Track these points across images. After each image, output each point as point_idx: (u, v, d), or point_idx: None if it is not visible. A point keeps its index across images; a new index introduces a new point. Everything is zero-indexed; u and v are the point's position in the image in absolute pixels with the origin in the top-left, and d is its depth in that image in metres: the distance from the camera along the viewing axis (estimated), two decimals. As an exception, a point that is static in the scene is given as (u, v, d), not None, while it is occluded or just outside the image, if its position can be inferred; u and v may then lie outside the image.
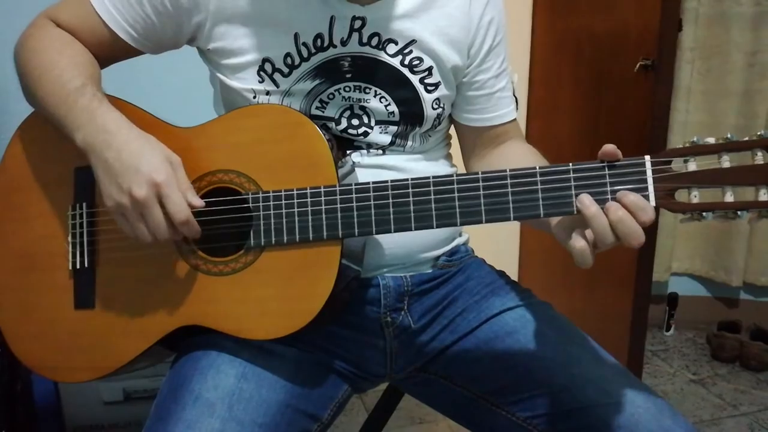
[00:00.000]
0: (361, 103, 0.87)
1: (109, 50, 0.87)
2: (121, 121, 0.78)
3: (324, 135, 0.79)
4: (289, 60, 0.84)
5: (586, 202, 0.69)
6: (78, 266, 0.84)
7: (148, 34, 0.86)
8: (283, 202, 0.78)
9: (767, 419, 1.86)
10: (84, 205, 0.84)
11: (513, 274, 1.51)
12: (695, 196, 0.67)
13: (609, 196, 0.69)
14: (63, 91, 0.79)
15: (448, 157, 1.00)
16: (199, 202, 0.77)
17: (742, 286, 2.36)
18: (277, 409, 0.80)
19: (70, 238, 0.85)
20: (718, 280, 2.38)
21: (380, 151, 0.90)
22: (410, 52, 0.86)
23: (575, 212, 0.70)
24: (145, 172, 0.74)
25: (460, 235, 1.00)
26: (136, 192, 0.74)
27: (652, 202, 0.68)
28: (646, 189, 0.68)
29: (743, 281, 2.35)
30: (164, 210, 0.75)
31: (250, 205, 0.79)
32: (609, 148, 0.69)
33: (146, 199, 0.74)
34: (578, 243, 0.70)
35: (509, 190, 0.72)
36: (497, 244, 1.92)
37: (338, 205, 0.76)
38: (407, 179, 0.75)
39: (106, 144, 0.76)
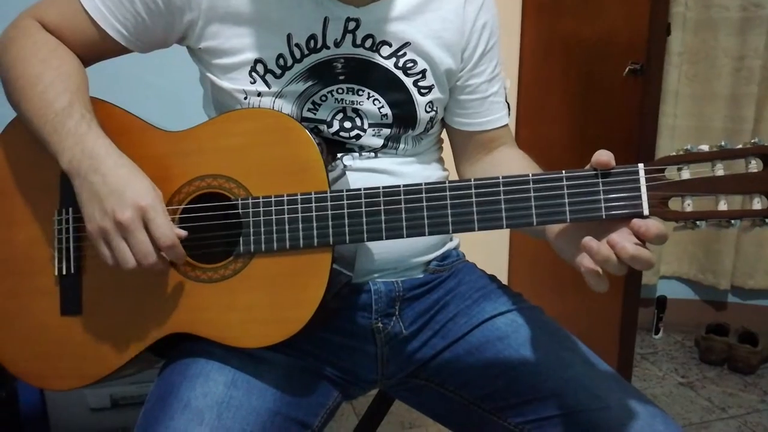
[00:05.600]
0: (354, 106, 0.86)
1: (97, 50, 0.86)
2: (110, 147, 0.77)
3: (314, 139, 0.78)
4: (281, 61, 0.83)
5: (593, 247, 0.67)
6: (64, 272, 0.83)
7: (139, 33, 0.85)
8: (273, 208, 0.77)
9: (755, 422, 1.87)
10: (70, 210, 0.83)
11: (503, 278, 1.51)
12: (689, 205, 0.67)
13: (602, 204, 0.68)
14: (49, 111, 0.77)
15: (440, 160, 1.00)
16: (181, 233, 0.76)
17: (730, 289, 2.37)
18: (267, 417, 0.78)
19: (56, 244, 0.83)
20: (706, 283, 2.39)
21: (372, 154, 0.89)
22: (404, 54, 0.86)
23: (567, 221, 0.70)
24: (130, 196, 0.73)
25: (452, 239, 1.00)
26: (119, 215, 0.72)
27: (646, 211, 0.68)
28: (639, 197, 0.68)
29: (731, 284, 2.36)
30: (149, 234, 0.73)
31: (240, 210, 0.78)
32: (603, 158, 0.68)
33: (131, 221, 0.72)
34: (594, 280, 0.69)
35: (502, 197, 0.71)
36: (487, 248, 1.92)
37: (329, 212, 0.75)
38: (399, 186, 0.74)
39: (92, 168, 0.74)
